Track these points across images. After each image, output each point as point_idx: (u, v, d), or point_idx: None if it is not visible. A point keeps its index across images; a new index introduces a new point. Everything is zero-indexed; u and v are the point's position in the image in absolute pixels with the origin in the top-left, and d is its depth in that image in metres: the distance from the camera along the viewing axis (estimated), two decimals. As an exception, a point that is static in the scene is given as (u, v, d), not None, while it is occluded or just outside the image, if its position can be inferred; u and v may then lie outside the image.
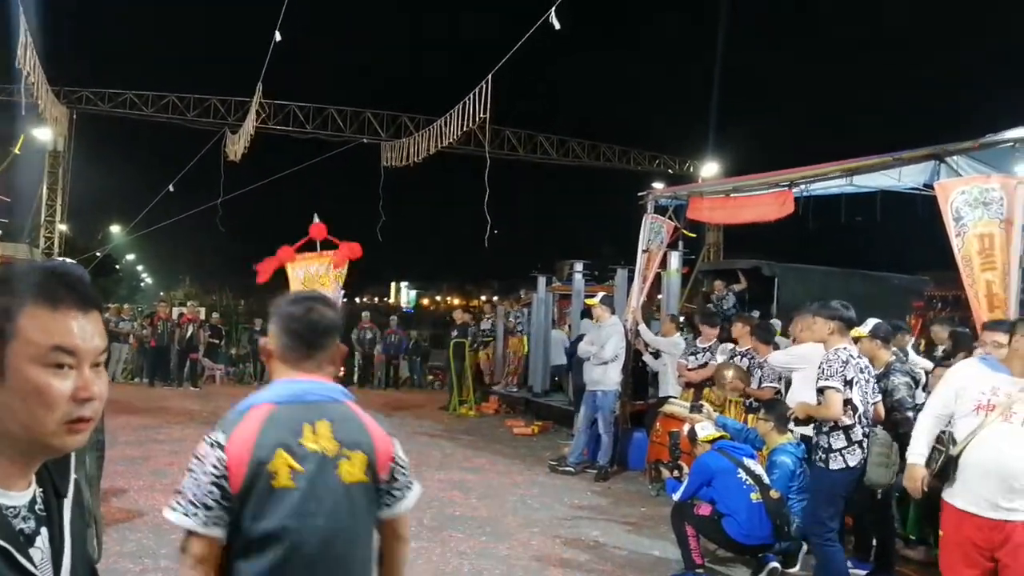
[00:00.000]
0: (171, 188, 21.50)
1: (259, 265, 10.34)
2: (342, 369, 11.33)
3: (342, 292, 10.53)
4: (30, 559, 1.17)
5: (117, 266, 46.82)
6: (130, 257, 52.05)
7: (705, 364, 8.59)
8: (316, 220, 10.38)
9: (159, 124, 24.79)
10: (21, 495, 1.21)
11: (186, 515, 1.98)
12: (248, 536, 2.00)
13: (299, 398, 2.12)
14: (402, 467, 2.24)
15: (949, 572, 3.92)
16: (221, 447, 2.01)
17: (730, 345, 8.84)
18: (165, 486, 7.39)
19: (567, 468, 9.07)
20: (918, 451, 4.11)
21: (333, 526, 2.04)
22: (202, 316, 19.75)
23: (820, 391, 4.96)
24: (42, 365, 1.16)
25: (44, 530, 1.23)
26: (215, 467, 1.99)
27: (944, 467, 3.95)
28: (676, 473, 5.99)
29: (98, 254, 27.20)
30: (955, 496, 3.85)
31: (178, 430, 10.47)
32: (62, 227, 24.66)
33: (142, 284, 61.34)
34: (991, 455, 3.74)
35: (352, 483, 2.09)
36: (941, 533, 4.00)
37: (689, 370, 8.63)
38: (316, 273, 10.29)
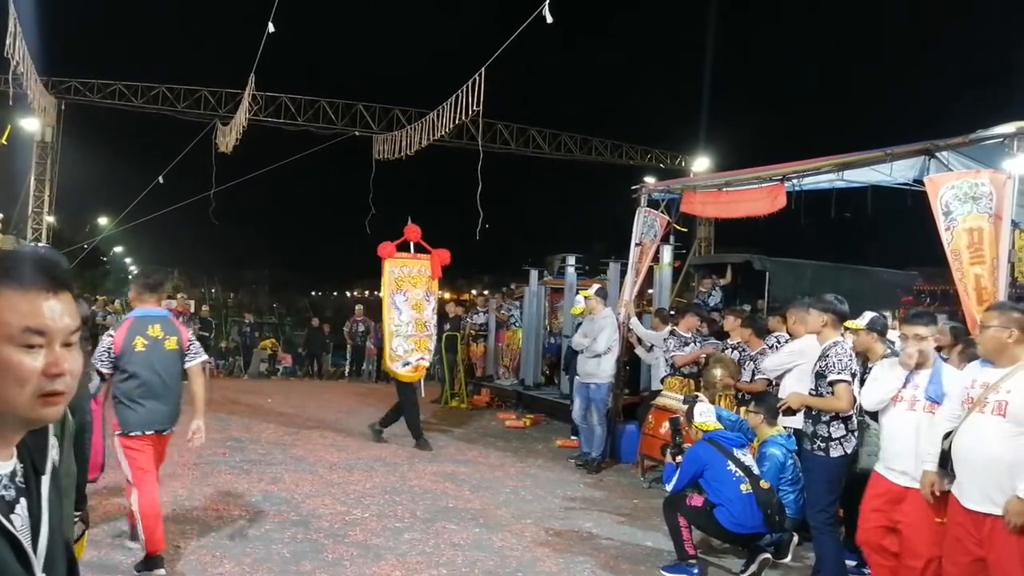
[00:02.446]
0: (160, 180, 21.45)
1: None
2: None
3: (435, 296, 10.64)
4: (11, 523, 1.25)
5: (104, 258, 46.61)
6: (118, 249, 51.81)
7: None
8: (410, 222, 10.47)
9: (149, 115, 24.67)
10: (3, 465, 1.28)
11: (98, 361, 4.99)
12: (123, 371, 5.04)
13: (146, 314, 5.20)
14: (194, 343, 5.35)
15: (945, 558, 4.07)
16: (111, 336, 5.08)
17: (715, 341, 8.92)
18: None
19: (592, 462, 9.02)
20: (931, 457, 4.20)
21: (161, 369, 5.11)
22: (192, 309, 19.71)
23: (832, 384, 5.09)
24: (14, 345, 1.22)
25: (23, 500, 1.30)
26: (108, 343, 5.05)
27: (941, 461, 4.09)
28: (679, 458, 5.96)
29: (85, 246, 27.02)
30: (954, 486, 4.01)
31: (169, 422, 10.44)
32: (49, 219, 24.52)
33: (130, 277, 61.05)
34: (965, 445, 3.93)
35: (171, 350, 5.16)
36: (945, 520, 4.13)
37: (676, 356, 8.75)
38: (409, 274, 10.38)
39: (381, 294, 10.56)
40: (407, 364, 10.01)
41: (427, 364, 10.33)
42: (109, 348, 5.04)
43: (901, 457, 4.46)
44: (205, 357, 5.56)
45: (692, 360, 8.69)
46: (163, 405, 5.13)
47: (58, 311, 1.26)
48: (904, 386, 4.54)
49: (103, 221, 36.12)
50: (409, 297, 10.31)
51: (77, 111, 24.76)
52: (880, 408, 4.69)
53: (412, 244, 10.45)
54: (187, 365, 5.29)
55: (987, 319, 3.96)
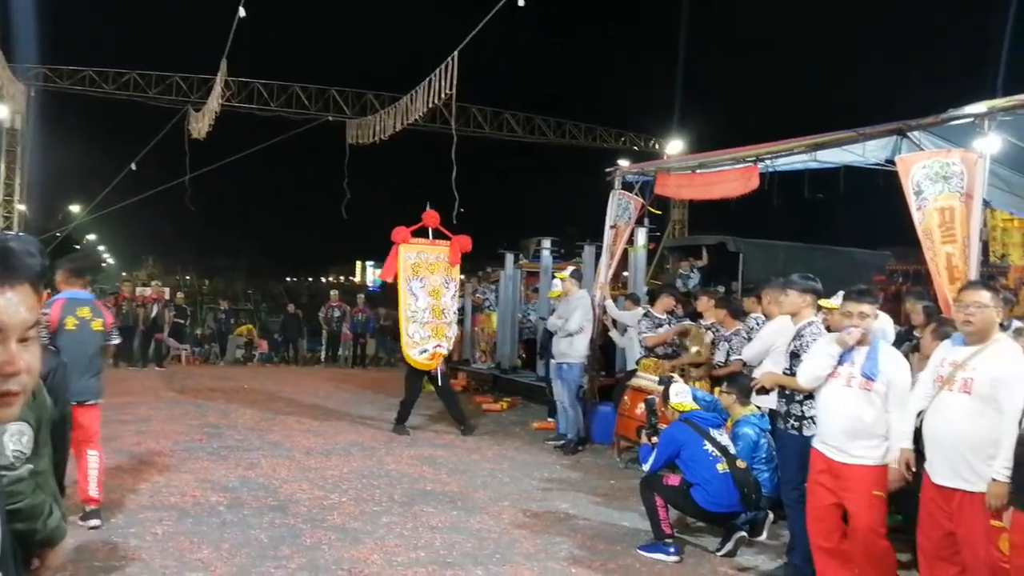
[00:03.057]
0: (133, 167, 21.24)
1: (385, 268, 10.49)
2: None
3: (455, 283, 10.51)
4: None
5: (77, 247, 46.10)
6: (91, 237, 51.26)
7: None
8: (428, 208, 10.30)
9: (120, 102, 24.31)
10: None
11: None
12: (56, 344, 5.43)
13: (75, 297, 5.81)
14: (115, 327, 6.44)
15: (919, 532, 4.15)
16: (46, 315, 5.37)
17: (689, 322, 8.95)
18: (132, 466, 7.35)
19: (567, 444, 9.09)
20: (905, 435, 4.27)
21: (86, 343, 5.76)
22: (167, 296, 19.57)
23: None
24: None
25: None
26: (45, 321, 5.21)
27: (915, 439, 4.16)
28: (655, 439, 5.99)
29: (58, 234, 26.68)
30: (926, 463, 4.08)
31: (144, 410, 10.39)
32: (20, 207, 24.15)
33: (104, 264, 60.49)
34: (935, 424, 4.00)
35: (96, 330, 5.85)
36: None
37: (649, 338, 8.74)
38: (426, 260, 10.22)
39: (386, 276, 10.43)
40: (424, 351, 9.89)
41: (444, 352, 10.15)
42: (45, 325, 5.52)
43: (835, 434, 4.48)
44: (119, 340, 7.12)
45: (663, 341, 8.70)
46: (86, 380, 5.69)
47: (14, 304, 1.17)
48: (841, 363, 4.55)
49: (75, 209, 35.64)
50: (426, 283, 10.16)
51: (47, 98, 24.36)
52: (816, 384, 4.71)
53: (431, 230, 10.35)
54: (107, 342, 6.17)
55: (981, 298, 3.92)
